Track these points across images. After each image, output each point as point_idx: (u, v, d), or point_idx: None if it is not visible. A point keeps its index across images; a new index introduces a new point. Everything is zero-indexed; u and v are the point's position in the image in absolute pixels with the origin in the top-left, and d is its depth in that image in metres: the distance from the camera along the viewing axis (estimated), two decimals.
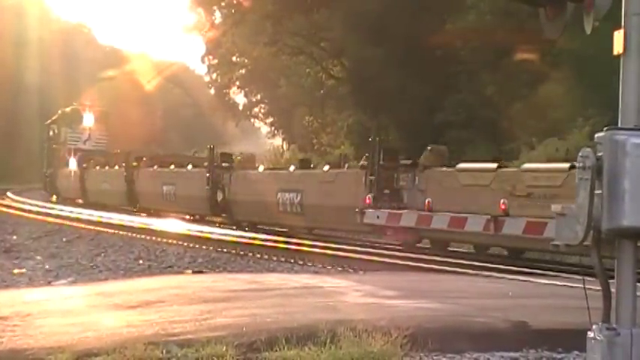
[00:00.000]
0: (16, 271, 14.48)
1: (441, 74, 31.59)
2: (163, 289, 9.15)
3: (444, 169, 18.02)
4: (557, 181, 14.79)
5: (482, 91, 30.33)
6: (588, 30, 3.99)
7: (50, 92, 60.74)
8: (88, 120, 44.92)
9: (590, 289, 4.02)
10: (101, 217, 26.94)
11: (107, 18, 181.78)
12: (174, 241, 20.02)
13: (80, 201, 38.56)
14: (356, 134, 37.73)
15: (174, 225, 24.84)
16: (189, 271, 14.43)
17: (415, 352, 5.56)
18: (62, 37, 71.70)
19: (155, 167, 32.72)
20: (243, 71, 57.25)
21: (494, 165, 16.81)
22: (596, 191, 3.72)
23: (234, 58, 55.88)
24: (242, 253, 17.65)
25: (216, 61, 57.48)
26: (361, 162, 21.37)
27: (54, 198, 42.45)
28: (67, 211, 30.56)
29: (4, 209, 33.19)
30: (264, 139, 66.61)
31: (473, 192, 16.67)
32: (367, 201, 18.97)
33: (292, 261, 16.24)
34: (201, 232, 21.81)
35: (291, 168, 24.65)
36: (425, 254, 16.18)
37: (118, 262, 16.26)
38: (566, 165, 14.71)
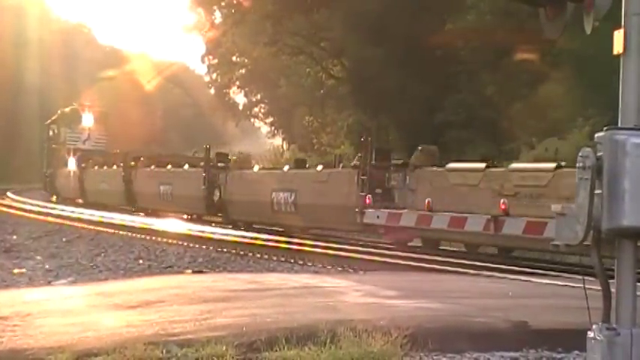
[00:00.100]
0: (16, 270, 14.48)
1: (441, 74, 31.59)
2: (163, 288, 9.15)
3: (435, 168, 18.20)
4: (542, 181, 14.97)
5: (482, 91, 30.33)
6: (588, 30, 3.99)
7: (50, 92, 60.75)
8: (87, 120, 45.00)
9: (590, 289, 4.02)
10: (102, 217, 26.97)
11: (107, 18, 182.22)
12: (174, 241, 20.03)
13: (80, 201, 38.59)
14: (356, 134, 37.61)
15: (174, 225, 24.86)
16: (189, 271, 14.42)
17: (415, 351, 5.55)
18: (62, 37, 71.69)
19: (152, 167, 32.81)
20: (243, 71, 57.21)
21: (483, 165, 17.10)
22: (596, 191, 3.72)
23: (234, 58, 55.84)
24: (242, 253, 17.66)
25: (216, 61, 57.43)
26: (353, 162, 21.44)
27: (54, 198, 42.44)
28: (68, 211, 30.58)
29: (4, 209, 33.19)
30: (264, 139, 66.60)
31: (462, 191, 16.95)
32: (367, 201, 19.01)
33: (292, 261, 16.25)
34: (202, 232, 21.83)
35: (285, 168, 24.72)
36: (426, 254, 16.19)
37: (118, 262, 16.26)
38: (552, 165, 15.09)
